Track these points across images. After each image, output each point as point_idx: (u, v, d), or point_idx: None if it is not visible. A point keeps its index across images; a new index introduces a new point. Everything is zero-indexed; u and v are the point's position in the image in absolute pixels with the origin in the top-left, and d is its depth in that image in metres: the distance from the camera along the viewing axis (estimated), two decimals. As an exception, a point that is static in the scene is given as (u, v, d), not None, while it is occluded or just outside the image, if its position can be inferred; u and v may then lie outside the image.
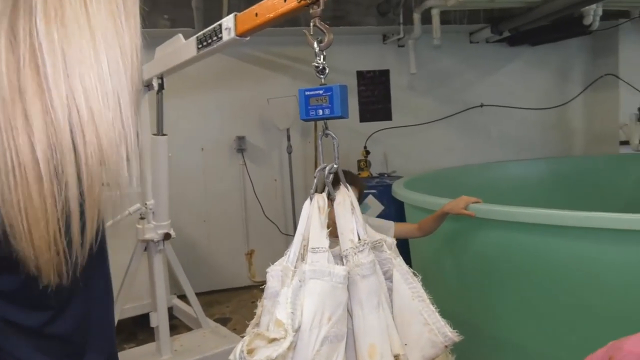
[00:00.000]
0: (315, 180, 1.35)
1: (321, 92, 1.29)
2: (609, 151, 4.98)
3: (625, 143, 4.78)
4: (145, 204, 2.51)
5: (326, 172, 1.35)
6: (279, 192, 4.56)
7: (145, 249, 2.64)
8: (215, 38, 1.75)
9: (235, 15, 1.63)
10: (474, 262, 2.52)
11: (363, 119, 4.67)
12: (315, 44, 1.31)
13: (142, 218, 2.54)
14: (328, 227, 1.33)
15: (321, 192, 1.35)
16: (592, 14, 4.05)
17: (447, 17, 4.39)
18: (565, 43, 4.99)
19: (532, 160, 4.81)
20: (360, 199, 2.41)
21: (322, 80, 1.33)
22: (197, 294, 3.16)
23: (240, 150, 4.42)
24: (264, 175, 4.52)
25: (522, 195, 4.31)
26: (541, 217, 2.06)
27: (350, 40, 4.57)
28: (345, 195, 1.35)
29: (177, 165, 3.98)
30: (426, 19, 4.20)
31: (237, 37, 1.63)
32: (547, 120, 5.11)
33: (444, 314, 1.34)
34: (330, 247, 1.32)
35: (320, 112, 1.30)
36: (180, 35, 2.11)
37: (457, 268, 2.75)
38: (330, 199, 1.35)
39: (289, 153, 4.38)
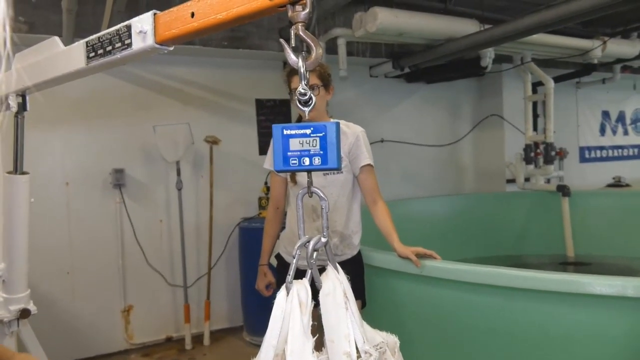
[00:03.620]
0: (293, 261, 0.90)
1: (308, 131, 0.87)
2: (496, 189, 5.19)
3: (511, 181, 5.02)
4: (-9, 270, 1.78)
5: (310, 248, 0.91)
6: (165, 235, 3.89)
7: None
8: (119, 45, 1.22)
9: (155, 14, 1.13)
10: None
11: (263, 151, 4.23)
12: (300, 61, 0.89)
13: (-16, 290, 1.79)
14: (314, 334, 0.88)
15: (301, 278, 0.91)
16: (488, 56, 4.19)
17: (350, 49, 4.24)
18: (455, 83, 5.16)
19: (431, 197, 4.81)
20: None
21: (307, 115, 0.91)
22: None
23: (118, 185, 3.68)
24: (147, 215, 3.82)
25: (427, 233, 4.23)
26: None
27: (249, 65, 4.16)
28: (336, 282, 0.92)
29: (32, 203, 3.13)
30: (330, 48, 4.03)
31: (158, 46, 1.13)
32: (442, 157, 5.19)
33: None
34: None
35: (306, 161, 0.87)
36: (57, 39, 1.52)
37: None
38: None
39: (179, 189, 3.77)
